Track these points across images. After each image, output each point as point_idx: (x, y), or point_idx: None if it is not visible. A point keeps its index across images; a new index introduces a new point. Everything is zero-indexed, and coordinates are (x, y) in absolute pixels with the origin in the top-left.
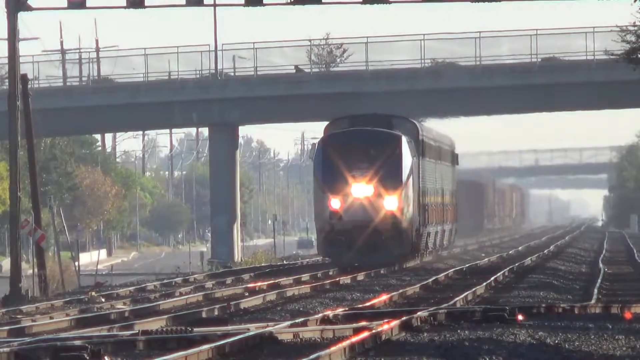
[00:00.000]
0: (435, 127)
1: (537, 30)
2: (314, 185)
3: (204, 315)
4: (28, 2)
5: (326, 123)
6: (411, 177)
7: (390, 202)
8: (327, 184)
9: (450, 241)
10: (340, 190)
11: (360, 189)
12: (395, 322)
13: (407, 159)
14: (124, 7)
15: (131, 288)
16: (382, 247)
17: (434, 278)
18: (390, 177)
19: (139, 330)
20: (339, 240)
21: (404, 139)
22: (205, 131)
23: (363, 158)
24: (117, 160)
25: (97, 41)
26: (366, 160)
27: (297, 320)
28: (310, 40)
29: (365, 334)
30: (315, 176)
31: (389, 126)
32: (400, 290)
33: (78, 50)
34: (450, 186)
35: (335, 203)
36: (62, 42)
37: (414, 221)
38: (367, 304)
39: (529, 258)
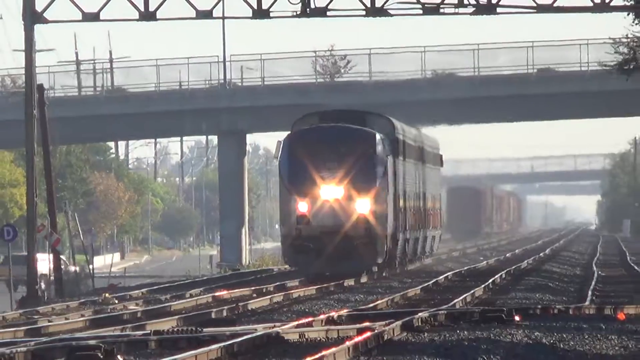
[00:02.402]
0: (431, 132)
1: (533, 42)
2: (280, 186)
3: (213, 315)
4: (44, 14)
5: None
6: (386, 178)
7: (363, 205)
8: (293, 185)
9: (433, 248)
10: (307, 193)
11: (330, 190)
12: (396, 323)
13: (381, 158)
14: (137, 20)
15: (143, 290)
16: (353, 255)
17: (434, 280)
18: (363, 178)
19: (150, 331)
20: (306, 247)
21: (377, 137)
22: (214, 139)
23: (333, 157)
24: (130, 166)
25: (110, 52)
26: (336, 159)
27: (302, 321)
28: (315, 52)
29: (368, 334)
30: (280, 177)
31: (362, 123)
32: (402, 292)
33: (92, 61)
34: (432, 189)
35: (302, 206)
36: (77, 53)
37: (390, 226)
38: (370, 305)
39: (526, 261)
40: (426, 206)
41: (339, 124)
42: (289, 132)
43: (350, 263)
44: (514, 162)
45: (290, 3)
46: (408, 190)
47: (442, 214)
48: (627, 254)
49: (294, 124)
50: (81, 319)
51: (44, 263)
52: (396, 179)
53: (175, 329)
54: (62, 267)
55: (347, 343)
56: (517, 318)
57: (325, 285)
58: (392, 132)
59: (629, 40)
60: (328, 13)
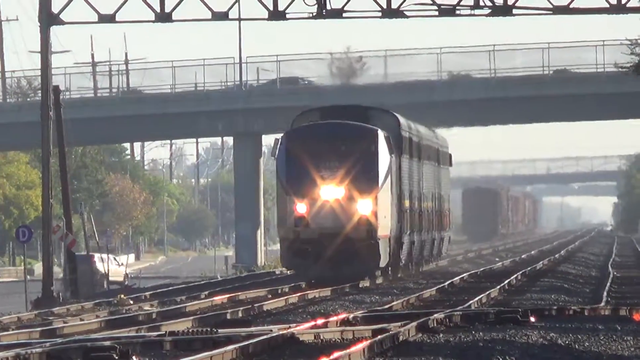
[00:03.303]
0: (446, 133)
1: (549, 43)
2: (277, 186)
3: (228, 316)
4: (60, 16)
5: None
6: (389, 177)
7: (365, 206)
8: (291, 185)
9: (442, 251)
10: (306, 193)
11: (330, 191)
12: (412, 324)
13: (385, 156)
14: (153, 21)
15: (158, 290)
16: (354, 258)
17: (449, 281)
18: (365, 178)
19: (165, 332)
20: (305, 251)
21: (380, 134)
22: (230, 140)
23: (333, 156)
24: (146, 168)
25: (126, 54)
26: (337, 158)
27: (318, 322)
28: (331, 54)
29: (384, 335)
30: (278, 176)
31: (365, 119)
32: (417, 294)
33: (108, 63)
34: (440, 189)
35: (301, 207)
36: (92, 55)
37: (393, 228)
38: (386, 306)
39: (541, 262)
40: (434, 207)
41: (340, 120)
42: (287, 129)
43: (351, 267)
44: (530, 164)
45: (306, 4)
46: (414, 190)
47: (451, 215)
48: None
49: (294, 120)
50: (96, 319)
51: (101, 263)
52: (401, 178)
53: (190, 330)
54: (113, 265)
55: (363, 344)
56: (532, 319)
57: (340, 286)
58: (397, 129)
59: None
60: (344, 14)
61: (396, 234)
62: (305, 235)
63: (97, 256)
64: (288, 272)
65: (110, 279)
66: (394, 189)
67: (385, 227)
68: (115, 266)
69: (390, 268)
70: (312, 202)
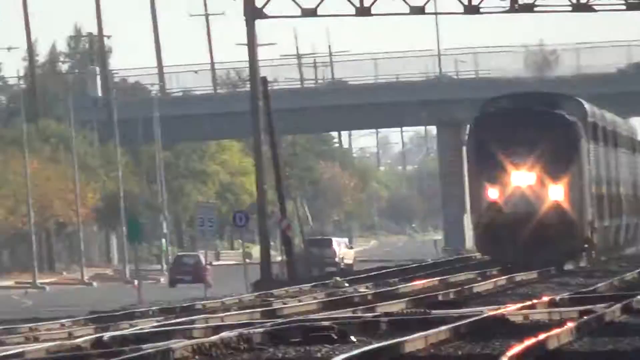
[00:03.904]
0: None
1: None
2: (468, 172)
3: (440, 298)
4: (264, 10)
5: None
6: (580, 162)
7: (556, 192)
8: (483, 171)
9: (635, 238)
10: (498, 178)
11: (522, 176)
12: (617, 305)
13: (575, 142)
14: (353, 15)
15: (372, 273)
16: (548, 243)
17: None
18: (555, 163)
19: (381, 312)
20: (500, 236)
21: (570, 120)
22: (433, 129)
23: (524, 141)
24: (354, 155)
25: (329, 47)
26: (527, 143)
27: (526, 303)
28: (525, 47)
29: (590, 316)
30: (469, 162)
31: (554, 106)
32: (620, 277)
33: (313, 55)
34: (629, 176)
35: (493, 193)
36: (297, 48)
37: (585, 213)
38: (590, 288)
39: None
40: (628, 192)
41: (530, 106)
42: (477, 115)
43: (545, 251)
44: None
45: None
46: (605, 176)
47: None
48: None
49: (483, 106)
50: (314, 301)
51: (337, 247)
52: (590, 163)
53: (404, 311)
54: (344, 249)
55: (570, 324)
56: None
57: (545, 269)
58: (584, 115)
59: None
60: (535, 9)
61: (589, 219)
62: (500, 220)
63: (334, 240)
64: (476, 257)
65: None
66: (584, 174)
67: (577, 212)
68: (346, 249)
69: (584, 253)
70: (504, 187)
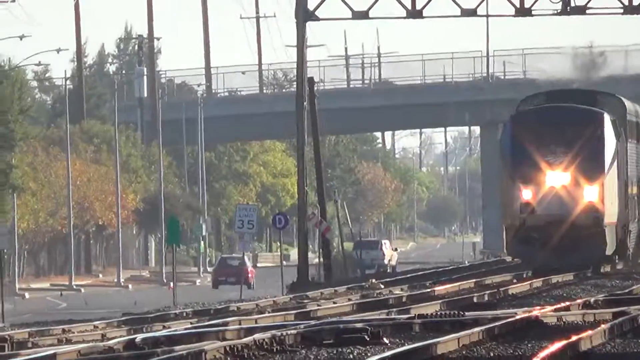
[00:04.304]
0: None
1: None
2: (501, 171)
3: (474, 300)
4: (316, 12)
5: None
6: (616, 162)
7: (591, 193)
8: (517, 170)
9: None
10: (532, 179)
11: (556, 177)
12: None
13: (611, 141)
14: (404, 17)
15: (408, 275)
16: (580, 246)
17: None
18: (591, 163)
19: (415, 314)
20: (532, 238)
21: (607, 118)
22: (477, 129)
23: (559, 140)
24: (396, 156)
25: (378, 48)
26: (562, 143)
27: (560, 305)
28: (574, 48)
29: (623, 317)
30: (502, 160)
31: (592, 103)
32: None
33: (361, 56)
34: None
35: (526, 194)
36: (346, 49)
37: (620, 215)
38: (626, 290)
39: None
40: None
41: (567, 104)
42: (512, 114)
43: (577, 254)
44: None
45: (551, 2)
46: None
47: None
48: None
49: (519, 104)
50: (348, 303)
51: (385, 248)
52: (627, 163)
53: (438, 313)
54: (390, 250)
55: (603, 326)
56: None
57: (582, 272)
58: (623, 113)
59: None
60: (587, 11)
61: (624, 221)
62: (532, 222)
63: (383, 242)
64: (513, 260)
65: (391, 263)
66: (621, 175)
67: (612, 214)
68: (391, 251)
69: (617, 256)
70: (537, 188)
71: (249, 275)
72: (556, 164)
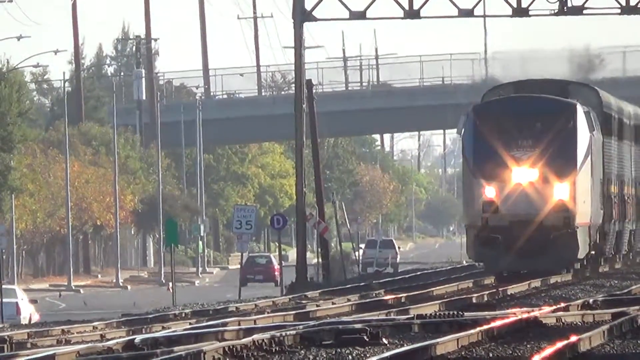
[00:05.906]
0: None
1: None
2: (463, 167)
3: (473, 300)
4: (313, 13)
5: None
6: (589, 158)
7: (562, 191)
8: (479, 166)
9: None
10: (496, 175)
11: (523, 173)
12: None
13: (584, 134)
14: (402, 18)
15: (406, 276)
16: (550, 249)
17: None
18: (561, 158)
19: (414, 315)
20: (494, 240)
21: (579, 109)
22: None
23: (526, 133)
24: (395, 158)
25: (376, 49)
26: (530, 136)
27: (559, 306)
28: (571, 50)
29: (623, 318)
30: (464, 155)
31: (564, 94)
32: None
33: (359, 58)
34: None
35: (489, 191)
36: (344, 50)
37: (594, 215)
38: (625, 290)
39: None
40: None
41: (535, 94)
42: (474, 104)
43: (545, 258)
44: None
45: (549, 2)
46: (621, 175)
47: None
48: None
49: (484, 95)
50: (347, 303)
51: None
52: (604, 160)
53: (437, 313)
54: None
55: (602, 327)
56: None
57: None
58: (598, 105)
59: None
60: (584, 11)
61: (598, 222)
62: (495, 222)
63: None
64: (476, 264)
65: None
66: (595, 172)
67: (584, 213)
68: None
69: (589, 260)
70: (502, 185)
71: (275, 273)
72: (523, 159)
